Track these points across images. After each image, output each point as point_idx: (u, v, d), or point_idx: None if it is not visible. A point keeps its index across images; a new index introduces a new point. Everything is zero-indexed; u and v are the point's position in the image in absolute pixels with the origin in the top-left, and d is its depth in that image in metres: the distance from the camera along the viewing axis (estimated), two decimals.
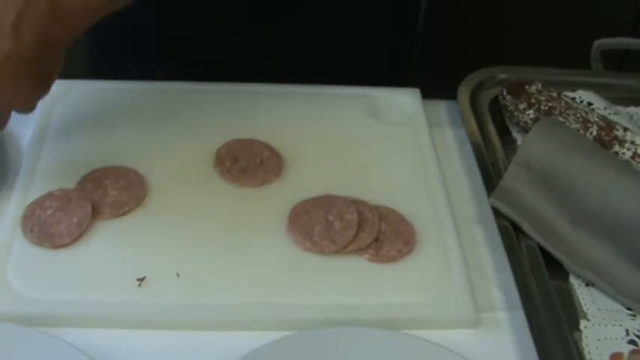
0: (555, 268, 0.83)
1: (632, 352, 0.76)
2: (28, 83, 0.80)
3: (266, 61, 1.08)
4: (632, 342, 0.77)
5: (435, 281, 0.82)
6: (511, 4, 1.76)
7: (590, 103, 1.01)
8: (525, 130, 0.97)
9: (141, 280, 0.79)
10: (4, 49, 0.75)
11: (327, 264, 0.83)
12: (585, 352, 0.76)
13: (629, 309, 0.80)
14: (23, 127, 0.96)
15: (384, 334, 0.76)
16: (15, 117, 0.94)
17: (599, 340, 0.77)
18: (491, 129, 0.99)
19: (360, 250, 0.84)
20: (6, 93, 0.79)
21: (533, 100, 0.97)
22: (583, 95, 1.02)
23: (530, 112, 0.97)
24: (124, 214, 0.86)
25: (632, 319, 0.79)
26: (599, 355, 0.75)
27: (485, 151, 0.95)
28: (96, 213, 0.85)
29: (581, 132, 0.94)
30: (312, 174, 0.92)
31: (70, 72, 0.91)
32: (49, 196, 0.86)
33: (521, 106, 0.97)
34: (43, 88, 0.83)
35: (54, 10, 0.77)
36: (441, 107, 1.05)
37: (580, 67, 1.09)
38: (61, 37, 0.79)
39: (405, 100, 1.03)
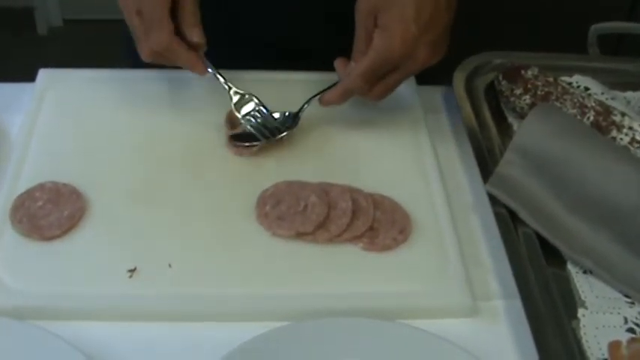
0: (553, 255, 0.83)
1: (631, 340, 0.75)
2: (447, 41, 0.91)
3: (260, 48, 1.07)
4: (630, 330, 0.76)
5: (431, 270, 0.81)
6: None
7: (587, 88, 1.00)
8: (521, 115, 0.96)
9: (132, 271, 0.78)
10: (443, 23, 0.88)
11: (322, 253, 0.82)
12: (583, 340, 0.75)
13: (627, 296, 0.80)
14: (12, 115, 0.95)
15: (379, 324, 0.75)
16: (4, 105, 0.94)
17: (597, 328, 0.76)
18: (487, 115, 0.98)
19: (354, 239, 0.83)
20: (441, 56, 0.90)
21: (529, 86, 0.96)
22: (580, 80, 1.01)
23: (527, 98, 0.96)
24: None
25: (631, 307, 0.79)
26: (598, 343, 0.75)
27: (481, 137, 0.94)
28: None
29: (578, 117, 0.93)
30: (306, 161, 0.91)
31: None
32: (40, 187, 0.85)
33: (518, 92, 0.96)
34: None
35: None
36: (437, 93, 1.05)
37: (577, 51, 1.08)
38: None
39: (400, 87, 1.01)
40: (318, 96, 0.93)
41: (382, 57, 0.87)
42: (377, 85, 0.90)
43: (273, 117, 0.94)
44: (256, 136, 0.92)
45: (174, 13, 0.88)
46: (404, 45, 0.86)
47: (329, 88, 0.92)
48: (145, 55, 0.89)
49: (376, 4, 0.87)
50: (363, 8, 0.88)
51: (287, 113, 0.94)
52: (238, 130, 0.93)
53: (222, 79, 0.93)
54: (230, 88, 0.93)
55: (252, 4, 1.07)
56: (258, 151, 0.92)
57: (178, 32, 0.89)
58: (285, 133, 0.93)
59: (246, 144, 0.92)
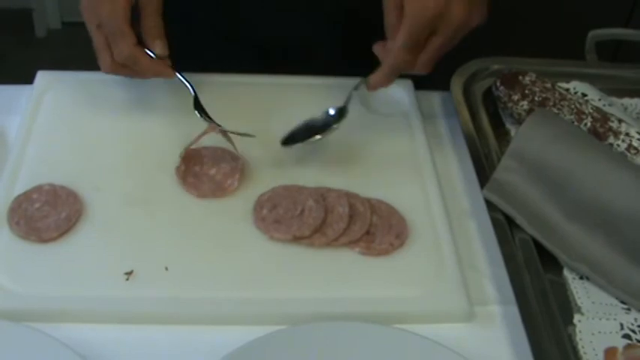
0: (549, 261, 0.83)
1: (627, 347, 0.75)
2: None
3: (258, 52, 1.07)
4: (626, 336, 0.76)
5: (428, 275, 0.81)
6: None
7: (584, 94, 1.00)
8: (519, 121, 0.96)
9: (129, 274, 0.78)
10: None
11: (318, 257, 0.82)
12: (579, 346, 0.75)
13: (623, 302, 0.80)
14: (10, 117, 0.95)
15: (375, 329, 0.75)
16: (2, 107, 0.94)
17: (593, 334, 0.76)
18: (485, 120, 0.98)
19: (351, 244, 0.83)
20: (482, 15, 0.89)
21: (527, 91, 0.96)
22: (577, 86, 1.01)
23: (524, 103, 0.96)
24: None
25: (627, 313, 0.79)
26: (593, 349, 0.75)
27: (479, 142, 0.94)
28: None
29: (576, 123, 0.93)
30: (303, 165, 0.91)
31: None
32: (37, 189, 0.85)
33: (515, 97, 0.96)
34: None
35: None
36: (434, 98, 1.05)
37: (574, 58, 1.08)
38: None
39: (397, 92, 1.02)
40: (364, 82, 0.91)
41: (417, 21, 0.84)
42: (421, 55, 0.87)
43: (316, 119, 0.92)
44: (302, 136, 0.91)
45: (137, 22, 0.87)
46: (438, 2, 0.83)
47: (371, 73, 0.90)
48: (106, 67, 0.89)
49: None
50: None
51: (331, 111, 0.92)
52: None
53: (189, 85, 0.91)
54: (196, 96, 0.91)
55: (248, 4, 1.06)
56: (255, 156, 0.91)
57: (141, 42, 0.88)
58: (335, 126, 0.91)
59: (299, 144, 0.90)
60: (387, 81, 0.90)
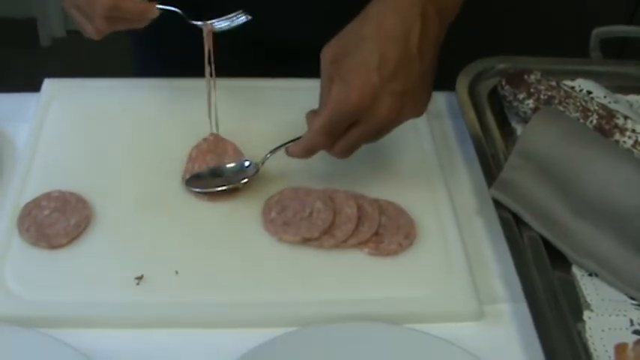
0: (558, 258, 0.83)
1: (637, 343, 0.75)
2: (428, 92, 0.83)
3: (264, 55, 1.07)
4: (636, 332, 0.77)
5: (437, 274, 0.81)
6: None
7: (589, 92, 1.00)
8: (525, 120, 0.96)
9: (139, 278, 0.79)
10: (415, 72, 0.79)
11: (327, 258, 0.82)
12: (589, 343, 0.75)
13: (632, 298, 0.80)
14: (18, 125, 0.95)
15: (386, 329, 0.75)
16: (9, 115, 0.94)
17: (603, 330, 0.76)
18: (491, 119, 0.98)
19: (360, 245, 0.83)
20: (418, 111, 0.83)
21: (532, 90, 0.96)
22: (582, 84, 1.01)
23: (530, 102, 0.96)
24: None
25: (636, 309, 0.79)
26: (604, 345, 0.75)
27: (485, 142, 0.95)
28: None
29: (581, 121, 0.93)
30: (311, 167, 0.91)
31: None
32: (47, 196, 0.86)
33: (521, 96, 0.97)
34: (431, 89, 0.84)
35: (441, 16, 0.80)
36: (440, 98, 1.05)
37: (579, 55, 1.08)
38: (442, 37, 0.81)
39: None
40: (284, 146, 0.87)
41: (339, 109, 0.79)
42: (340, 140, 0.82)
43: (226, 167, 0.90)
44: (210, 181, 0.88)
45: None
46: (362, 96, 0.77)
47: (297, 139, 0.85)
48: (94, 33, 0.86)
49: (338, 51, 0.80)
50: (327, 55, 0.81)
51: (247, 163, 0.90)
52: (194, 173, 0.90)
53: (173, 8, 0.87)
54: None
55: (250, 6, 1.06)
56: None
57: None
58: (245, 180, 0.88)
59: (198, 190, 0.88)
60: (304, 154, 0.84)
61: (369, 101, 0.78)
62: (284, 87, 1.02)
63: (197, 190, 0.87)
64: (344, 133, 0.81)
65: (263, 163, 0.89)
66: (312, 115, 0.84)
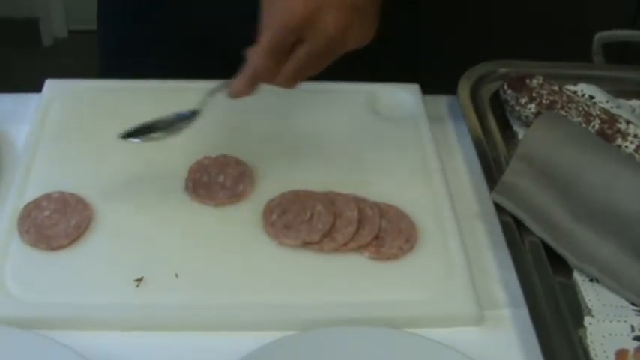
0: (559, 263, 0.82)
1: (638, 349, 0.75)
2: (376, 15, 0.80)
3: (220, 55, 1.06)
4: (637, 338, 0.76)
5: (437, 279, 0.81)
6: None
7: (592, 96, 1.00)
8: (526, 124, 0.96)
9: (139, 280, 0.78)
10: None
11: (328, 262, 0.82)
12: (590, 348, 0.75)
13: (633, 304, 0.79)
14: (19, 126, 0.95)
15: (386, 333, 0.75)
16: (10, 115, 0.94)
17: (603, 336, 0.76)
18: (492, 123, 0.98)
19: (360, 248, 0.83)
20: (366, 33, 0.80)
21: (534, 94, 0.96)
22: (585, 88, 1.01)
23: (532, 106, 0.96)
24: None
25: (637, 315, 0.78)
26: (604, 351, 0.75)
27: (487, 146, 0.94)
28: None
29: (584, 125, 0.93)
30: (312, 171, 0.91)
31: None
32: (47, 197, 0.86)
33: (522, 100, 0.96)
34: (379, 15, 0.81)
35: None
36: (442, 102, 1.05)
37: (581, 60, 1.08)
38: None
39: (405, 96, 1.02)
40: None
41: (283, 23, 0.75)
42: (285, 64, 0.78)
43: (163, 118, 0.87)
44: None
45: None
46: (306, 5, 0.74)
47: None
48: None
49: None
50: None
51: (185, 112, 0.86)
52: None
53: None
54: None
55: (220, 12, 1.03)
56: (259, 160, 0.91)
57: None
58: (182, 125, 0.85)
59: (136, 140, 0.84)
60: (248, 88, 0.80)
61: (314, 11, 0.75)
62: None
63: (136, 141, 0.84)
64: (289, 56, 0.78)
65: (201, 110, 0.85)
66: (251, 49, 0.79)
